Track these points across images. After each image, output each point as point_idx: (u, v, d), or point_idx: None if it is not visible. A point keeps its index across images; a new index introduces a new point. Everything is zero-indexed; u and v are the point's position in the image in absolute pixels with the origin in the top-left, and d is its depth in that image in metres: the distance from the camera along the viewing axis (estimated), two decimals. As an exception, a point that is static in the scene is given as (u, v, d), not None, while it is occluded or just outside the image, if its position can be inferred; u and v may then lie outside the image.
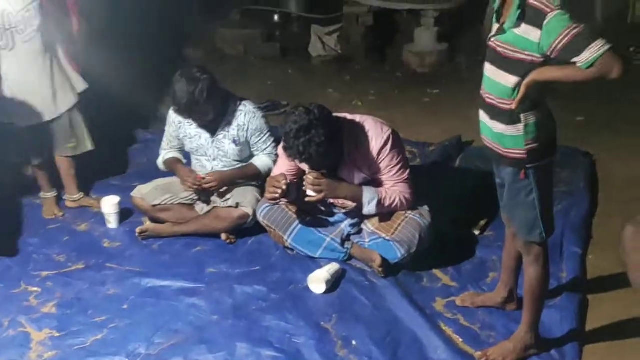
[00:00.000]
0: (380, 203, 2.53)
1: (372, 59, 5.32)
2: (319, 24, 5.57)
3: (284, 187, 2.51)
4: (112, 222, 3.07)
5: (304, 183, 2.51)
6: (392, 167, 2.53)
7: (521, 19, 1.75)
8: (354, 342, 2.27)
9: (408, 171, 2.58)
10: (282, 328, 2.34)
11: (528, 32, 1.74)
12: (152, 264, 2.77)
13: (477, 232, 2.90)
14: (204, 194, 2.97)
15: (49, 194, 3.22)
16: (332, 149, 2.40)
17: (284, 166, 2.73)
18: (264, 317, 2.41)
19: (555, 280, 2.50)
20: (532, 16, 1.73)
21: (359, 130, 2.51)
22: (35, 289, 2.61)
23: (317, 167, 2.47)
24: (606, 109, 4.16)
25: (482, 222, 2.95)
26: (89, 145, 3.16)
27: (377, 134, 2.50)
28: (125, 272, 2.71)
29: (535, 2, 1.72)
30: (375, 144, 2.49)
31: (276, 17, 5.99)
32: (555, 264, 2.59)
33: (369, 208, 2.54)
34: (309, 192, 2.51)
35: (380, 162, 2.52)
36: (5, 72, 2.85)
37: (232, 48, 5.63)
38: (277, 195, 2.53)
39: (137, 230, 2.95)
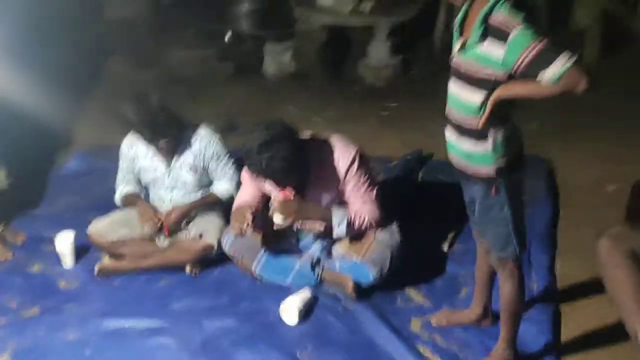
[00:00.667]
0: (350, 224, 2.48)
1: (328, 75, 5.31)
2: (274, 41, 5.52)
3: (251, 218, 2.43)
4: (68, 262, 2.91)
5: (271, 208, 2.44)
6: (360, 185, 2.49)
7: (484, 35, 1.73)
8: (332, 371, 2.20)
9: (375, 190, 2.54)
10: (255, 362, 2.26)
11: (491, 49, 1.73)
12: (113, 303, 2.63)
13: (445, 247, 2.88)
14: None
15: None
16: (296, 164, 2.34)
17: (247, 193, 2.66)
18: (237, 350, 2.32)
19: (528, 290, 2.49)
20: (496, 33, 1.71)
21: (325, 150, 2.47)
22: (-14, 339, 2.43)
23: (283, 183, 2.40)
24: (559, 115, 4.25)
25: (450, 236, 2.94)
26: (4, 183, 3.04)
27: (343, 153, 2.46)
28: (85, 313, 2.56)
29: (499, 20, 1.70)
30: (342, 164, 2.44)
31: (227, 37, 5.92)
32: (525, 274, 2.57)
33: (339, 230, 2.49)
34: (277, 218, 2.44)
35: (348, 182, 2.47)
36: None
37: (186, 70, 5.52)
38: (243, 228, 2.44)
39: (96, 267, 2.80)
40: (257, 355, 2.30)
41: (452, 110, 1.90)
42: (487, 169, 1.86)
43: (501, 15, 1.70)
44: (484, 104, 1.79)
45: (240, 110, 4.71)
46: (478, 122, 1.81)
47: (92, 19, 5.49)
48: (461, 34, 1.85)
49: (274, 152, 2.25)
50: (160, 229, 2.81)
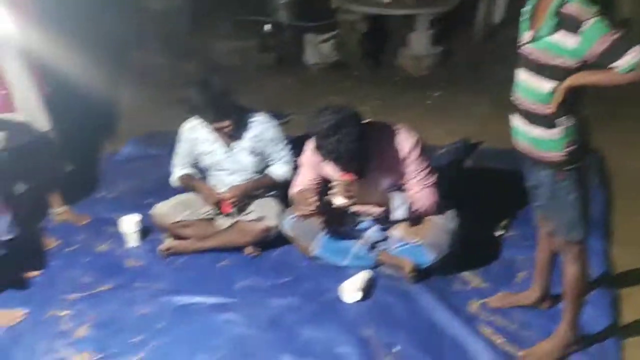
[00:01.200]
0: (409, 208, 2.55)
1: (369, 65, 5.36)
2: (313, 32, 5.59)
3: (314, 202, 2.51)
4: (133, 241, 3.04)
5: (334, 189, 2.51)
6: (420, 171, 2.55)
7: (557, 26, 1.79)
8: (394, 350, 2.29)
9: (435, 176, 2.61)
10: (322, 339, 2.35)
11: (564, 38, 1.79)
12: (179, 281, 2.75)
13: (500, 233, 2.94)
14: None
15: (61, 209, 3.21)
16: (361, 148, 2.40)
17: (306, 176, 2.74)
18: (303, 328, 2.42)
19: (586, 275, 2.55)
20: (568, 23, 1.77)
21: (387, 135, 2.53)
22: (66, 312, 2.57)
23: (347, 167, 2.45)
24: (606, 105, 4.25)
25: (504, 222, 3.00)
26: (67, 166, 3.17)
27: (405, 138, 2.53)
28: (155, 290, 2.69)
29: (572, 10, 1.76)
30: (403, 149, 2.51)
31: (267, 27, 6.00)
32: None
33: (398, 213, 2.56)
34: (337, 200, 2.51)
35: (408, 167, 2.54)
36: None
37: (228, 60, 5.62)
38: (309, 212, 2.52)
39: (160, 248, 2.93)
40: (322, 332, 2.39)
41: (520, 97, 1.96)
42: (556, 154, 1.92)
43: (574, 6, 1.77)
44: (553, 91, 1.85)
45: (283, 101, 4.80)
46: (547, 109, 1.87)
47: (132, 9, 5.59)
48: (531, 24, 1.90)
49: (342, 135, 2.31)
50: (219, 209, 2.90)
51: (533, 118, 1.93)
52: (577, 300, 2.12)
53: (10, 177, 2.86)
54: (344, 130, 2.32)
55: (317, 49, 5.56)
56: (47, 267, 2.87)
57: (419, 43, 5.20)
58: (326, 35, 5.55)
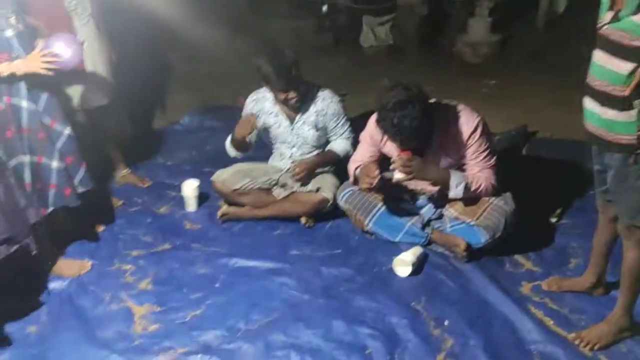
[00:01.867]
0: (467, 187, 2.57)
1: (425, 50, 5.35)
2: (370, 15, 5.61)
3: (378, 175, 2.55)
4: (192, 205, 3.17)
5: (393, 164, 2.54)
6: (480, 152, 2.56)
7: None
8: (446, 323, 2.33)
9: (495, 158, 2.62)
10: (374, 308, 2.41)
11: None
12: (236, 246, 2.86)
13: (554, 220, 2.93)
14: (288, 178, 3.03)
15: (125, 171, 3.37)
16: (424, 126, 2.42)
17: (366, 151, 2.79)
18: (355, 297, 2.48)
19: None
20: None
21: (450, 114, 2.55)
22: (129, 266, 2.71)
23: (406, 143, 2.47)
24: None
25: (558, 210, 2.98)
26: (128, 132, 3.29)
27: (467, 118, 2.54)
28: (212, 252, 2.81)
29: None
30: (466, 129, 2.52)
31: (325, 8, 6.04)
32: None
33: (456, 191, 2.57)
34: (397, 174, 2.53)
35: (469, 147, 2.55)
36: None
37: (284, 39, 5.68)
38: (371, 186, 2.57)
39: (219, 213, 3.04)
40: (373, 302, 2.45)
41: (596, 79, 1.95)
42: (629, 137, 1.90)
43: None
44: (632, 73, 1.83)
45: (337, 81, 4.81)
46: (624, 91, 1.86)
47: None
48: (611, 4, 1.89)
49: (408, 111, 2.35)
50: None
51: (608, 100, 1.91)
52: (635, 285, 2.11)
53: (84, 135, 3.01)
54: (410, 107, 2.35)
55: (374, 32, 5.58)
56: (112, 224, 3.02)
57: (478, 30, 5.16)
58: (384, 18, 5.57)
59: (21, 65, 2.33)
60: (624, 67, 1.84)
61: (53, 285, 2.58)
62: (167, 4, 4.89)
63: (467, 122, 2.54)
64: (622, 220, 2.06)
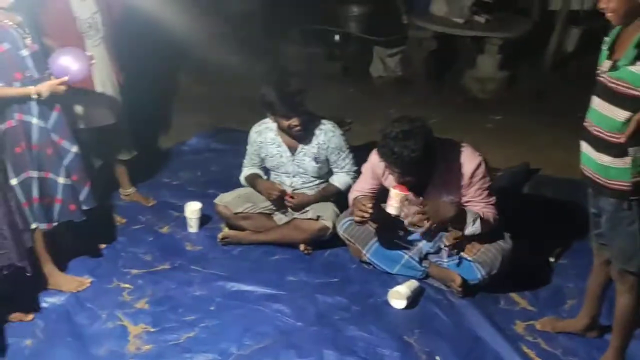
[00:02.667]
0: (482, 221, 2.55)
1: (433, 83, 5.41)
2: (381, 46, 5.70)
3: (371, 209, 2.57)
4: (193, 227, 3.21)
5: (389, 200, 2.52)
6: (482, 190, 2.58)
7: (638, 57, 1.80)
8: (437, 358, 2.33)
9: (495, 197, 2.64)
10: (366, 339, 2.42)
11: None
12: (234, 269, 2.88)
13: (552, 260, 2.94)
14: (282, 207, 3.08)
15: (130, 190, 3.41)
16: (425, 161, 2.43)
17: (366, 184, 2.82)
18: (348, 327, 2.49)
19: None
20: None
21: (453, 151, 2.58)
22: (127, 285, 2.74)
23: (405, 174, 2.46)
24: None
25: (557, 250, 2.99)
26: (134, 151, 3.34)
27: (470, 157, 2.57)
28: (210, 274, 2.83)
29: None
30: (468, 167, 2.54)
31: (337, 37, 6.15)
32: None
33: (474, 228, 2.53)
34: (390, 209, 2.49)
35: (472, 186, 2.56)
36: None
37: (295, 65, 5.78)
38: (365, 219, 2.59)
39: (219, 236, 3.08)
40: (366, 333, 2.46)
41: (593, 124, 1.98)
42: (623, 183, 1.93)
43: None
44: (627, 121, 1.86)
45: (344, 109, 4.90)
46: (620, 138, 1.89)
47: (211, 11, 5.82)
48: (611, 53, 1.93)
49: (410, 142, 2.36)
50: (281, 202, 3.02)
51: (603, 145, 1.95)
52: (627, 331, 2.12)
53: (89, 154, 3.07)
54: (413, 139, 2.37)
55: (384, 63, 5.66)
56: (114, 242, 3.06)
57: (486, 66, 5.22)
58: (394, 50, 5.64)
59: (47, 87, 2.40)
60: (620, 114, 1.88)
61: (51, 299, 2.61)
62: (182, 26, 5.02)
63: (470, 160, 2.56)
64: (615, 264, 2.07)
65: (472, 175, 2.54)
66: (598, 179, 2.00)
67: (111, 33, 3.04)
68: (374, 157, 2.72)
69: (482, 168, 2.56)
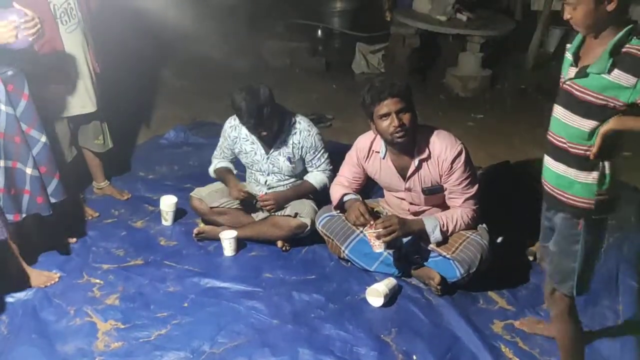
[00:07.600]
0: (441, 229, 2.58)
1: (415, 81, 5.39)
2: (364, 42, 5.66)
3: (367, 216, 2.59)
4: (168, 220, 3.13)
5: (369, 237, 2.54)
6: (463, 179, 2.57)
7: (612, 65, 1.71)
8: (414, 357, 2.29)
9: (477, 187, 2.62)
10: (342, 337, 2.37)
11: (619, 79, 1.70)
12: (209, 265, 2.82)
13: (530, 258, 2.92)
14: (250, 206, 3.03)
15: (103, 183, 3.32)
16: (409, 92, 2.51)
17: (349, 172, 2.81)
18: (324, 325, 2.44)
19: (613, 313, 2.53)
20: (628, 64, 1.69)
21: (434, 138, 2.57)
22: (97, 281, 2.66)
23: (392, 93, 2.46)
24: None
25: (534, 248, 2.97)
26: (109, 144, 3.24)
27: (451, 143, 2.55)
28: (184, 270, 2.76)
29: (634, 51, 1.68)
30: (449, 153, 2.53)
31: (319, 33, 6.10)
32: (612, 297, 2.63)
33: (435, 236, 2.59)
34: (376, 248, 2.53)
35: (453, 173, 2.55)
36: None
37: (278, 60, 5.72)
38: (360, 223, 2.62)
39: (194, 231, 3.00)
40: (343, 331, 2.41)
41: (555, 135, 1.88)
42: (584, 200, 1.84)
43: (638, 48, 1.68)
44: (593, 132, 1.77)
45: (326, 105, 4.86)
46: (585, 149, 1.79)
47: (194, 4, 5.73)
48: (576, 59, 1.83)
49: (395, 81, 2.49)
50: (251, 205, 2.98)
51: (566, 157, 1.85)
52: (571, 355, 2.06)
53: (62, 145, 2.97)
54: (396, 80, 2.48)
55: (366, 59, 5.62)
56: (85, 236, 2.97)
57: (468, 64, 5.21)
58: (377, 47, 5.61)
59: None
60: (585, 124, 1.79)
61: (17, 294, 2.52)
62: (166, 20, 4.92)
63: (452, 146, 2.56)
64: (548, 283, 2.01)
65: (454, 161, 2.54)
66: (558, 193, 1.90)
67: (88, 20, 2.94)
68: (357, 144, 2.77)
69: (464, 155, 2.56)
